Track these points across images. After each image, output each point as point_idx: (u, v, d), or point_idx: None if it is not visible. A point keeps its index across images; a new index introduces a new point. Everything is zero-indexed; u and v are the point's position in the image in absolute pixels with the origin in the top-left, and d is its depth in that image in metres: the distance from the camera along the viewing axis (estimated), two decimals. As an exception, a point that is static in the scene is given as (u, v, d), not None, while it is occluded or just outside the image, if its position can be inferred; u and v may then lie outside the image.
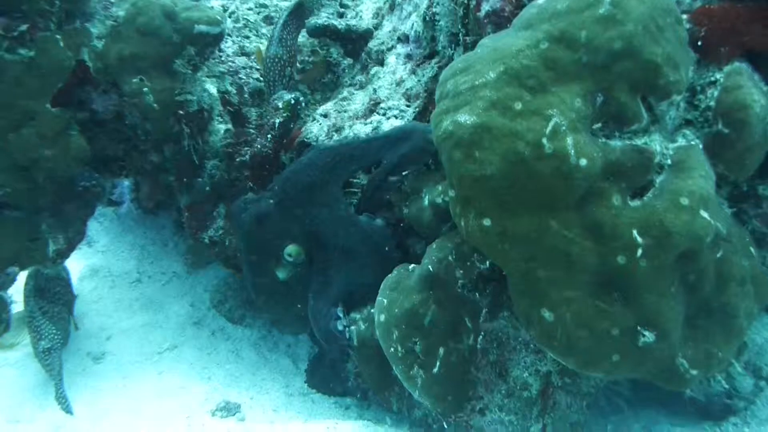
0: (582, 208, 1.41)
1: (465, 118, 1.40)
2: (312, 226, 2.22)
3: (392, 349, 1.78)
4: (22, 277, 2.56)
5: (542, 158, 1.36)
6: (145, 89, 2.22)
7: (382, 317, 1.81)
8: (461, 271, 1.74)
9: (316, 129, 2.59)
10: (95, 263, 3.66)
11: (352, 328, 2.12)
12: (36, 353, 2.63)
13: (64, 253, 2.57)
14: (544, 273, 1.41)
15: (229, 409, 2.40)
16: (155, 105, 2.26)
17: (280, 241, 2.28)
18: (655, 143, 1.44)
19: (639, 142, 1.43)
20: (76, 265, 3.60)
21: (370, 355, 2.06)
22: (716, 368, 1.52)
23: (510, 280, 1.48)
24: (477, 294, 1.76)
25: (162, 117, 2.31)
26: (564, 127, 1.37)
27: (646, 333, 1.41)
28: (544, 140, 1.36)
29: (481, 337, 1.75)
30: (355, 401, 2.50)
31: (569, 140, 1.36)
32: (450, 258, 1.75)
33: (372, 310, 2.05)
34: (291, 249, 2.27)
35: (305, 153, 2.33)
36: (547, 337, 1.45)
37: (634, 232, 1.39)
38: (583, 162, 1.35)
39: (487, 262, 1.72)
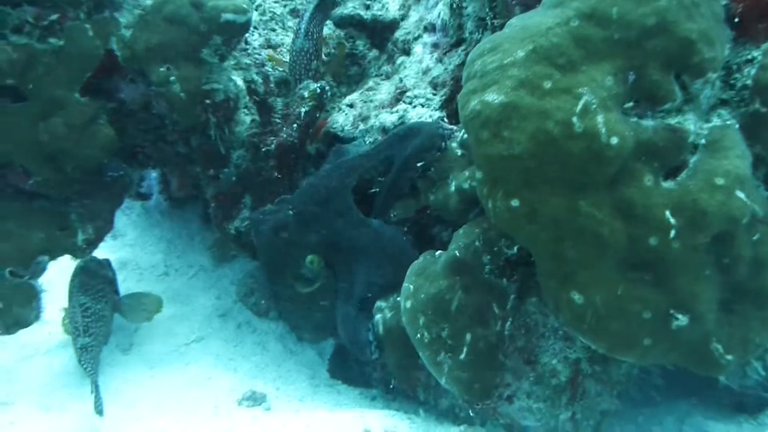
0: (613, 188, 1.39)
1: (493, 97, 1.39)
2: (330, 236, 2.28)
3: (418, 335, 1.77)
4: (52, 266, 2.59)
5: (572, 137, 1.35)
6: (172, 78, 2.24)
7: (408, 303, 1.80)
8: (488, 257, 1.73)
9: (341, 119, 2.60)
10: (123, 256, 3.71)
11: (378, 316, 2.11)
12: (75, 349, 2.66)
13: (93, 243, 2.61)
14: (573, 254, 1.39)
15: (255, 399, 2.41)
16: (182, 94, 2.28)
17: (299, 251, 2.35)
18: (689, 123, 1.41)
19: (672, 121, 1.41)
20: (104, 257, 3.66)
21: (396, 343, 2.05)
22: (752, 354, 1.48)
23: (538, 263, 1.47)
24: (505, 280, 1.75)
25: (189, 106, 2.33)
26: (595, 106, 1.35)
27: (680, 316, 1.39)
28: (574, 119, 1.35)
29: (509, 323, 1.74)
30: (381, 392, 2.50)
31: (600, 118, 1.34)
32: (477, 243, 1.73)
33: (398, 299, 2.05)
34: (312, 259, 2.33)
35: (326, 161, 2.43)
36: (576, 321, 1.43)
37: (667, 212, 1.37)
38: (615, 140, 1.34)
39: (515, 248, 1.70)
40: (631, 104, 1.41)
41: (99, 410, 2.35)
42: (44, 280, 2.61)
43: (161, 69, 2.23)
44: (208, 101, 2.38)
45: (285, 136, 2.48)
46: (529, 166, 1.37)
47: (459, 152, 1.93)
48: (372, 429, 1.96)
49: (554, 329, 1.72)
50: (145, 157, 2.78)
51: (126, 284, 3.51)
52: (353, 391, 2.54)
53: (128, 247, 3.82)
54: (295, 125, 2.46)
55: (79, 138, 2.28)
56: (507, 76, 1.39)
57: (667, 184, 1.40)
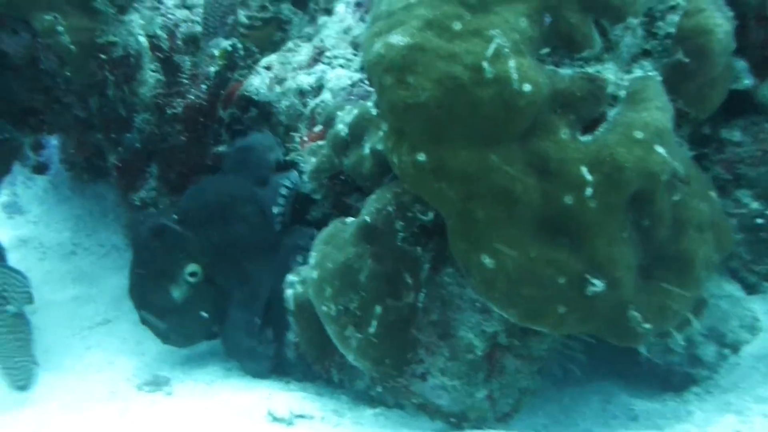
0: (526, 141, 1.31)
1: (397, 39, 1.28)
2: (225, 242, 2.24)
3: (324, 308, 1.67)
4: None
5: (482, 83, 1.26)
6: (60, 28, 2.05)
7: (315, 274, 1.69)
8: (402, 223, 1.63)
9: (257, 81, 2.46)
10: (25, 233, 3.49)
11: (289, 291, 2.00)
12: None
13: (-25, 212, 2.41)
14: (483, 214, 1.31)
15: (158, 384, 2.26)
16: (72, 46, 2.09)
17: (178, 258, 2.26)
18: (609, 72, 1.35)
19: (591, 70, 1.34)
20: (2, 235, 3.43)
21: (308, 320, 1.94)
22: (671, 322, 1.43)
23: (448, 223, 1.38)
24: (419, 248, 1.65)
25: (81, 60, 2.15)
26: (507, 50, 1.26)
27: (596, 282, 1.32)
28: (485, 63, 1.26)
29: (422, 294, 1.65)
30: (297, 376, 2.39)
31: (512, 63, 1.25)
32: (389, 208, 1.63)
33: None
34: (193, 268, 2.25)
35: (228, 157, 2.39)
36: (486, 286, 1.35)
37: (583, 168, 1.29)
38: (527, 87, 1.25)
39: (430, 214, 1.61)
40: (547, 51, 1.33)
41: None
42: None
43: (46, 17, 2.04)
44: (104, 56, 2.20)
45: (193, 98, 2.32)
46: (436, 115, 1.28)
47: (374, 112, 1.82)
48: (277, 411, 1.85)
49: (471, 301, 1.64)
50: (38, 122, 2.58)
51: (26, 263, 3.29)
52: (268, 375, 2.41)
53: (31, 224, 3.60)
54: (204, 86, 2.31)
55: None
56: (414, 16, 1.29)
57: (585, 138, 1.33)
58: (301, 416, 1.88)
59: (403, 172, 1.36)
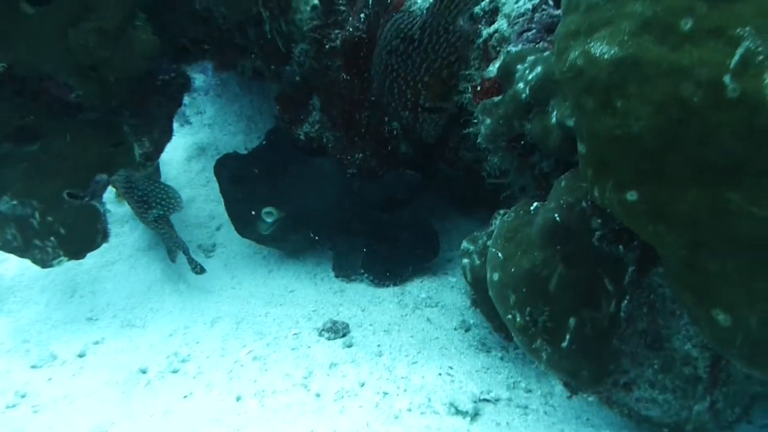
0: (782, 174, 1.00)
1: (602, 49, 1.00)
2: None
3: (509, 317, 1.52)
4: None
5: (721, 107, 0.95)
6: (211, -37, 1.92)
7: (496, 276, 1.53)
8: (599, 220, 1.40)
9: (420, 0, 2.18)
10: (202, 139, 3.63)
11: (465, 261, 1.87)
12: (147, 224, 2.69)
13: (152, 156, 2.48)
14: (717, 266, 1.05)
15: (336, 331, 2.29)
16: (224, -18, 1.97)
17: (257, 201, 2.62)
18: None
19: None
20: (183, 141, 3.59)
21: (486, 295, 1.82)
22: None
23: (666, 265, 1.14)
24: (621, 247, 1.42)
25: (235, -2, 2.03)
26: (762, 57, 0.93)
27: None
28: (726, 78, 0.95)
29: (626, 302, 1.44)
30: (476, 321, 2.32)
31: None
32: (584, 204, 1.40)
33: (487, 242, 1.78)
34: (271, 209, 2.60)
35: None
36: (721, 343, 1.12)
37: None
38: (790, 113, 0.93)
39: (637, 207, 1.35)
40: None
41: (198, 270, 2.59)
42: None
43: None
44: (256, -11, 2.05)
45: (351, 29, 2.12)
46: (654, 148, 1.00)
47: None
48: (459, 405, 1.79)
49: (687, 307, 1.41)
50: (201, 51, 2.54)
51: (206, 174, 3.45)
52: (448, 322, 2.35)
53: (207, 128, 3.73)
54: (362, 15, 2.08)
55: (115, 46, 2.06)
56: (625, 14, 0.98)
57: None
58: (486, 401, 1.82)
59: (609, 207, 1.12)
